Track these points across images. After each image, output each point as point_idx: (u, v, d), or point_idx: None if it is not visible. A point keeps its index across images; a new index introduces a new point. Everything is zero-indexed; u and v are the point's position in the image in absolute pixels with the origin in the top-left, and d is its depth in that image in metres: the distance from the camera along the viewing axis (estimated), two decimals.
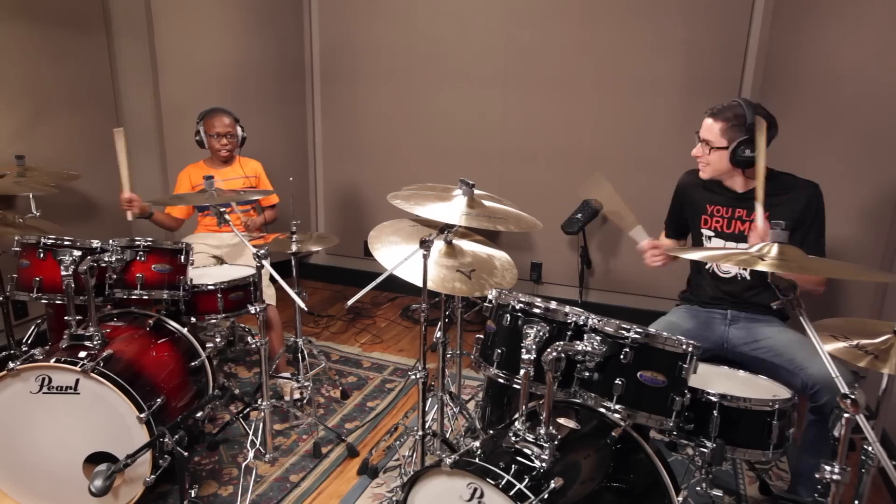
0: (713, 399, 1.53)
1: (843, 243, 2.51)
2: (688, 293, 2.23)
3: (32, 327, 2.63)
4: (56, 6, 3.05)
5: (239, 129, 2.96)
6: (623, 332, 1.46)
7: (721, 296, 2.10)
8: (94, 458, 1.86)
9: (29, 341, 2.56)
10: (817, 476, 1.23)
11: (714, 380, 1.72)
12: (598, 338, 1.48)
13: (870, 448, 1.27)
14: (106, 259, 2.05)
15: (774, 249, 1.34)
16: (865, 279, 2.50)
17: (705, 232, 2.10)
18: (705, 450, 1.54)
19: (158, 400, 1.93)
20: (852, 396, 1.16)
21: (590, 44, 3.50)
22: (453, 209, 1.84)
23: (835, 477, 1.21)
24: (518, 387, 1.51)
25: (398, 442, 2.44)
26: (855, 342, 1.33)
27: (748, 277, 2.05)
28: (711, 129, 1.95)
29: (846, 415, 1.17)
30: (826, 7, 2.75)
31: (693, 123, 3.34)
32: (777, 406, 1.54)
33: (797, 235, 1.89)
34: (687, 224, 2.21)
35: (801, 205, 1.92)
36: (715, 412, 1.53)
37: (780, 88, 3.03)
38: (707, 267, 2.12)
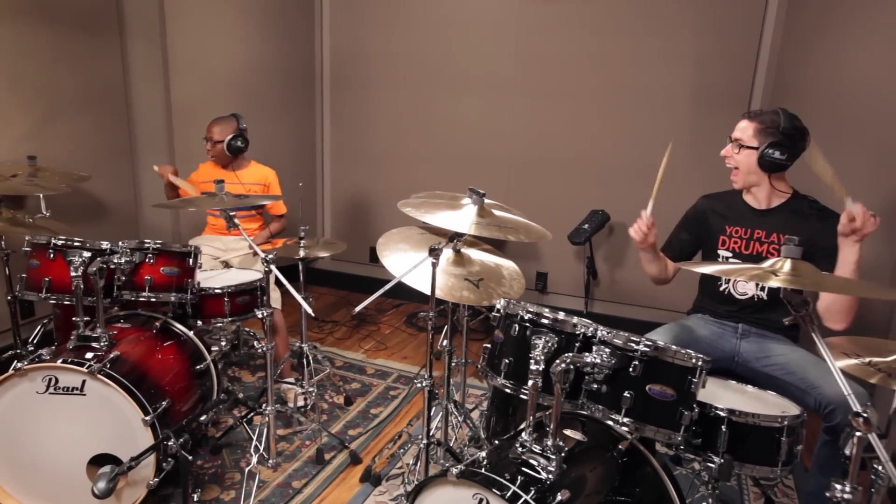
0: (721, 414, 1.52)
1: None
2: (697, 307, 2.22)
3: (39, 327, 2.64)
4: (70, 8, 3.08)
5: (230, 136, 2.90)
6: (632, 344, 1.46)
7: (734, 313, 2.09)
8: (98, 460, 1.85)
9: (35, 341, 2.57)
10: (827, 495, 1.22)
11: (722, 395, 1.71)
12: (607, 350, 1.47)
13: (880, 467, 1.25)
14: (115, 261, 2.05)
15: (787, 265, 1.33)
16: (875, 296, 2.48)
17: (723, 253, 2.09)
18: (712, 465, 1.52)
19: (164, 403, 1.93)
20: (865, 415, 1.15)
21: (599, 54, 3.51)
22: (463, 218, 1.84)
23: (846, 496, 1.20)
24: (525, 397, 1.51)
25: (402, 450, 2.43)
26: (867, 359, 1.32)
27: (765, 298, 2.04)
28: (745, 129, 1.98)
29: (858, 433, 1.16)
30: (837, 21, 2.75)
31: (702, 135, 3.38)
32: (786, 422, 1.52)
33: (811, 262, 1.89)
34: (693, 248, 2.21)
35: (818, 233, 1.92)
36: (723, 427, 1.51)
37: (790, 101, 3.02)
38: (722, 288, 2.11)
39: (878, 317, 2.61)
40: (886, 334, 2.55)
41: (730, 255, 2.08)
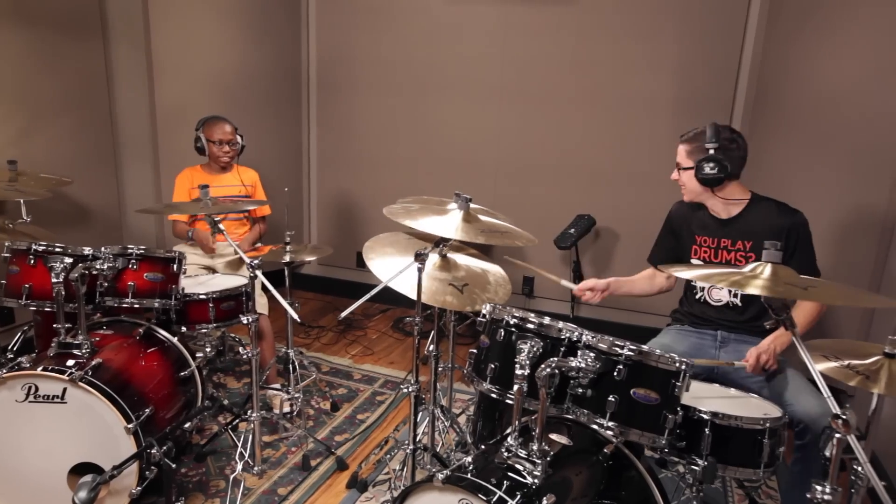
0: (705, 417, 1.54)
1: (830, 265, 2.53)
2: (679, 312, 2.25)
3: (19, 334, 2.60)
4: (53, 11, 3.05)
5: (239, 137, 2.97)
6: (617, 348, 1.47)
7: (711, 319, 2.12)
8: (80, 469, 1.82)
9: (15, 348, 2.53)
10: (808, 496, 1.24)
11: (706, 398, 1.73)
12: (591, 354, 1.49)
13: (859, 468, 1.28)
14: (97, 267, 2.02)
15: (768, 270, 1.35)
16: (857, 304, 2.52)
17: (695, 262, 2.13)
18: (696, 467, 1.54)
19: (147, 410, 1.90)
20: (844, 416, 1.16)
21: (585, 60, 3.54)
22: (449, 223, 1.84)
23: (826, 497, 1.22)
24: (511, 402, 1.51)
25: (388, 455, 2.42)
26: (846, 362, 1.34)
27: (739, 304, 2.07)
28: (681, 152, 2.07)
29: (837, 435, 1.18)
30: (816, 30, 2.80)
31: None
32: (768, 425, 1.54)
33: None
34: (678, 254, 2.24)
35: (780, 234, 1.95)
36: (707, 430, 1.53)
37: (770, 109, 3.08)
38: (698, 296, 2.14)
39: (857, 320, 2.65)
40: (865, 337, 2.59)
41: (701, 263, 2.11)
